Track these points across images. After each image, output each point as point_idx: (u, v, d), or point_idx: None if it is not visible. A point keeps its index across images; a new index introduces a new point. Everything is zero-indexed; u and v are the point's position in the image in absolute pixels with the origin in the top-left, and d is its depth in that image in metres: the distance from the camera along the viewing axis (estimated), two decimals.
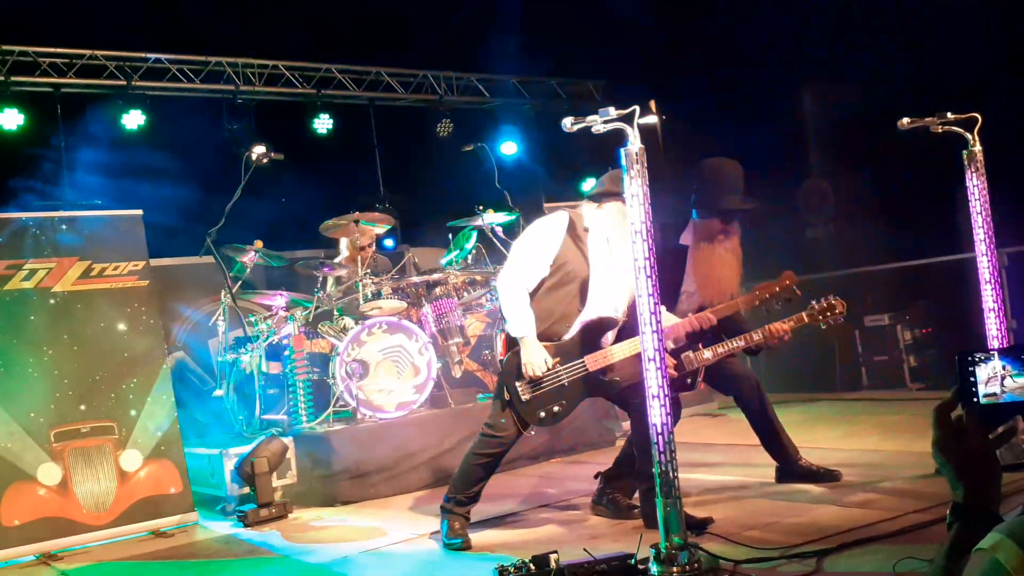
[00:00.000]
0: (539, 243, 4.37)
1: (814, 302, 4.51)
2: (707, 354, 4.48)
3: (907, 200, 8.41)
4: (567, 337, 4.33)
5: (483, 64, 11.14)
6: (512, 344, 4.34)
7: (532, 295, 4.35)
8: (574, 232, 4.37)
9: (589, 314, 4.35)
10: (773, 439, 4.97)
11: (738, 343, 4.51)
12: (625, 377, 4.26)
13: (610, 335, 4.38)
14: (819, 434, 6.40)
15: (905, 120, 4.93)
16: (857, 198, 9.01)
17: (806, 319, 4.50)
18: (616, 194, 4.18)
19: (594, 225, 4.38)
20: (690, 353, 4.47)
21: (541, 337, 4.28)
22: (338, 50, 10.46)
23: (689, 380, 4.50)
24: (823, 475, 4.81)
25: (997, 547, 1.32)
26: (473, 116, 11.58)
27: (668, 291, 4.77)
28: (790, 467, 4.91)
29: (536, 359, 4.21)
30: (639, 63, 9.94)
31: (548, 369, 4.23)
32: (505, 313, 4.33)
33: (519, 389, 4.27)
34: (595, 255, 4.37)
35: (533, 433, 4.49)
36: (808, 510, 4.26)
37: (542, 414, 4.29)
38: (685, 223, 5.03)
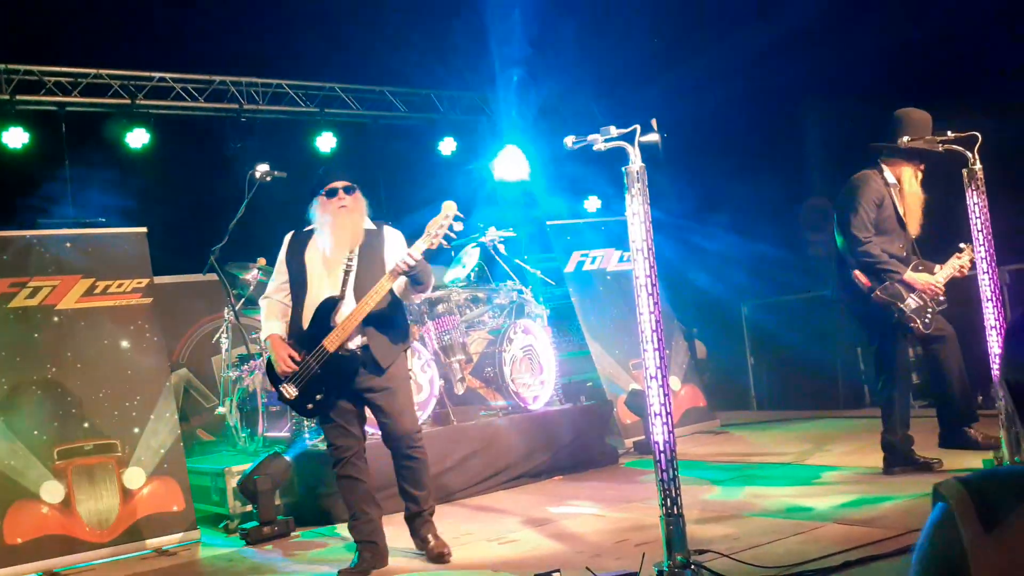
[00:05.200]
0: (278, 260, 4.71)
1: (962, 244, 5.28)
2: (940, 277, 5.22)
3: None
4: (305, 328, 4.49)
5: (484, 82, 11.20)
6: None
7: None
8: (295, 241, 4.66)
9: (313, 300, 4.52)
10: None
11: (954, 269, 5.24)
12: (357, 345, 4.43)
13: (343, 310, 4.47)
14: (822, 451, 6.39)
15: (905, 138, 4.98)
16: None
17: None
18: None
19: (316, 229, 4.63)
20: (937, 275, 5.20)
21: (292, 335, 4.50)
22: (341, 69, 10.53)
23: (943, 298, 5.23)
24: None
25: (942, 489, 1.26)
26: (475, 134, 11.63)
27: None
28: (953, 433, 5.31)
29: (278, 354, 4.43)
30: (639, 81, 9.98)
31: (298, 361, 4.39)
32: None
33: (284, 391, 4.45)
34: (307, 252, 4.60)
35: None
36: (811, 528, 4.26)
37: (309, 405, 4.47)
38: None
